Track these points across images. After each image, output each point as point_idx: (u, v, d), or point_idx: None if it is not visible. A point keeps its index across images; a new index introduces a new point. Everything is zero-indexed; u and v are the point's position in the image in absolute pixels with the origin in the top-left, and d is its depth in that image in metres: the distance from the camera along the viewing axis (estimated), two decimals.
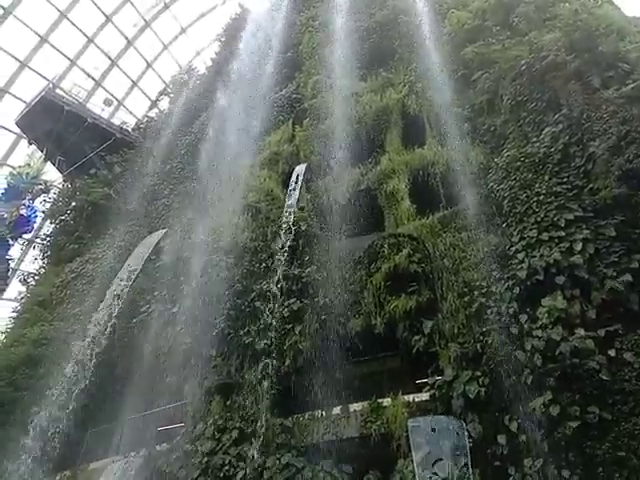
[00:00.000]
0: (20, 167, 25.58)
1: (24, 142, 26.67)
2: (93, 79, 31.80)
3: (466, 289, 9.92)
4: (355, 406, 9.56)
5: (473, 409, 8.32)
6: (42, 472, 12.42)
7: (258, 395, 10.36)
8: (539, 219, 9.41)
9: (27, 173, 24.95)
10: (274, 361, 10.77)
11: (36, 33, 27.75)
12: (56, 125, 24.26)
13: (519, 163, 10.50)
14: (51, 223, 23.38)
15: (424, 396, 9.03)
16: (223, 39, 28.46)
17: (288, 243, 12.63)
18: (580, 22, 11.26)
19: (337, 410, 9.68)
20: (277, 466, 9.09)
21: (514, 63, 12.23)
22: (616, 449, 6.96)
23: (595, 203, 9.06)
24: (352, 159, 14.62)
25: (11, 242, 23.88)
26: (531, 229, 9.43)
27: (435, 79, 14.70)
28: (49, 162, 26.22)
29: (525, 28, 13.45)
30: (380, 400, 9.37)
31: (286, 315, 11.28)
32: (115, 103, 32.11)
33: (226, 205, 15.33)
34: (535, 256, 8.99)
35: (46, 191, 24.62)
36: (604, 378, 7.35)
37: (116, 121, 28.25)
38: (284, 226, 13.08)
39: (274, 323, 11.25)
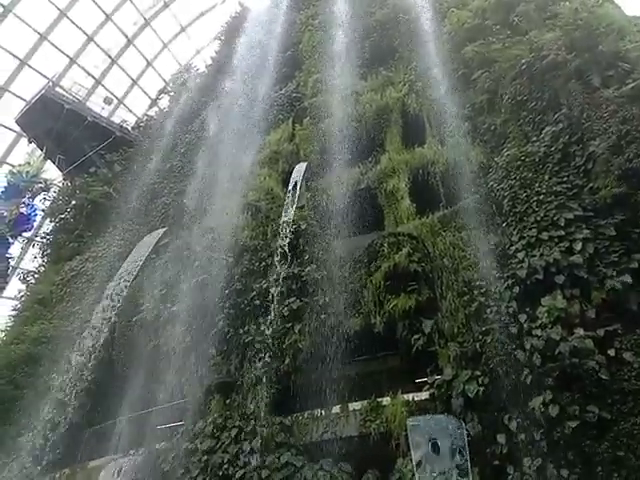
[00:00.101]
0: (20, 165, 25.63)
1: (24, 140, 26.71)
2: (93, 77, 31.81)
3: (466, 288, 9.92)
4: (354, 405, 9.56)
5: (472, 408, 8.32)
6: (41, 470, 12.44)
7: (257, 394, 10.37)
8: (539, 218, 9.41)
9: (27, 171, 25.00)
10: (274, 360, 10.77)
11: (36, 31, 27.77)
12: (56, 123, 24.27)
13: (519, 162, 10.49)
14: (51, 221, 23.40)
15: (423, 395, 9.03)
16: (223, 38, 28.41)
17: (287, 242, 12.63)
18: (580, 21, 11.24)
19: (336, 409, 9.68)
20: (276, 465, 9.09)
21: (514, 62, 12.21)
22: (615, 448, 6.96)
23: (595, 202, 9.05)
24: (352, 158, 14.61)
25: (11, 240, 23.96)
26: (531, 228, 9.43)
27: (435, 78, 14.68)
28: (49, 160, 26.26)
29: (525, 27, 13.43)
30: (379, 399, 9.37)
31: (286, 314, 11.27)
32: (115, 102, 32.09)
33: (226, 204, 15.32)
34: (535, 255, 8.98)
35: (46, 189, 24.66)
36: (603, 378, 7.35)
37: (116, 120, 28.27)
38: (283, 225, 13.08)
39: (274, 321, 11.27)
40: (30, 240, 25.57)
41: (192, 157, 20.45)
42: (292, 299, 11.49)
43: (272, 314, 11.40)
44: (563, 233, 8.93)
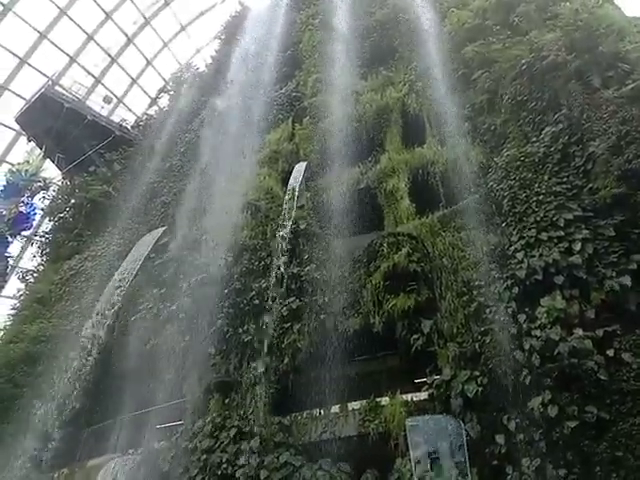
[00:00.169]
0: (19, 164, 25.59)
1: (23, 139, 26.67)
2: (93, 76, 31.76)
3: (465, 288, 9.93)
4: (353, 405, 9.56)
5: (471, 408, 8.34)
6: (41, 469, 12.44)
7: (256, 393, 10.37)
8: (538, 219, 9.41)
9: (26, 170, 24.96)
10: (273, 359, 10.76)
11: (36, 30, 27.73)
12: (55, 122, 24.24)
13: (519, 163, 10.49)
14: (50, 220, 23.37)
15: (422, 395, 9.04)
16: (223, 37, 28.40)
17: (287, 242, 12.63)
18: (580, 22, 11.25)
19: (335, 409, 9.69)
20: (275, 464, 9.08)
21: (514, 62, 12.22)
22: (614, 449, 6.97)
23: (594, 203, 9.05)
24: (352, 158, 14.60)
25: (10, 239, 23.90)
26: (530, 229, 9.44)
27: (435, 78, 14.68)
28: (48, 159, 26.21)
29: (526, 27, 13.44)
30: (378, 399, 9.38)
31: (285, 314, 11.27)
32: (115, 100, 32.04)
33: (225, 203, 15.31)
34: (534, 256, 8.99)
35: (45, 188, 24.63)
36: (602, 378, 7.36)
37: (116, 119, 28.20)
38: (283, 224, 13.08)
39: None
40: (29, 239, 25.53)
41: (192, 156, 20.46)
42: (291, 299, 11.49)
43: (272, 314, 11.41)
44: (562, 233, 8.94)
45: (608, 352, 7.54)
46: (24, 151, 26.86)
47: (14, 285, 23.69)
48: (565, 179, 9.69)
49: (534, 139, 10.77)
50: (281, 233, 12.83)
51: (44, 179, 25.20)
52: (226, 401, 10.72)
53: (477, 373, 8.59)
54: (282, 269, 12.09)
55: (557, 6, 13.02)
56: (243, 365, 11.17)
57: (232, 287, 12.39)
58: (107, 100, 30.31)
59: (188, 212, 17.00)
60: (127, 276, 15.35)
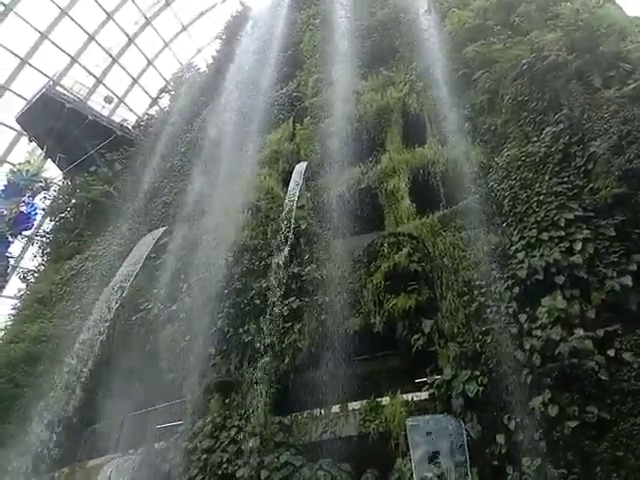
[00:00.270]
0: (20, 164, 25.58)
1: (24, 139, 26.68)
2: (94, 76, 31.80)
3: (466, 288, 9.93)
4: (354, 405, 9.55)
5: (472, 408, 8.32)
6: (41, 469, 12.44)
7: (257, 393, 10.35)
8: (539, 219, 9.40)
9: (27, 170, 24.96)
10: (273, 359, 10.76)
11: (37, 30, 27.74)
12: (57, 122, 24.24)
13: (519, 163, 10.49)
14: (51, 220, 23.38)
15: (423, 395, 9.03)
16: (224, 37, 28.42)
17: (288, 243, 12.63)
18: (581, 22, 11.24)
19: (336, 409, 9.68)
20: (275, 464, 9.07)
21: (515, 62, 12.21)
22: (614, 449, 6.95)
23: (595, 203, 9.04)
24: (352, 158, 14.60)
25: (11, 239, 23.91)
26: (531, 229, 9.42)
27: (436, 78, 14.68)
28: (49, 159, 26.22)
29: (526, 27, 13.42)
30: (379, 399, 9.37)
31: (285, 313, 11.27)
32: (116, 100, 32.06)
33: (226, 203, 15.31)
34: (535, 256, 8.97)
35: (46, 188, 24.63)
36: (603, 378, 7.34)
37: (117, 118, 28.21)
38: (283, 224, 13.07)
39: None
40: (30, 239, 25.55)
41: (192, 156, 20.46)
42: (292, 299, 11.49)
43: (272, 314, 11.41)
44: (563, 233, 8.92)
45: (609, 352, 7.52)
46: (25, 151, 26.88)
47: (15, 285, 23.79)
48: (566, 179, 9.67)
49: (535, 139, 10.76)
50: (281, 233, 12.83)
51: (45, 179, 25.20)
52: (226, 401, 10.72)
53: (478, 373, 8.58)
54: (282, 270, 12.08)
55: (558, 6, 13.00)
56: (243, 365, 11.16)
57: (232, 287, 12.39)
58: (108, 100, 30.33)
59: (189, 212, 17.00)
60: (128, 276, 15.35)
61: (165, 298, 13.64)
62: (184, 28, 36.02)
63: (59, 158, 25.46)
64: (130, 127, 27.67)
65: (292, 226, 12.90)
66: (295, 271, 12.06)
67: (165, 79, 34.08)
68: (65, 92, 26.77)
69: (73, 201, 22.75)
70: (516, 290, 8.99)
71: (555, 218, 9.16)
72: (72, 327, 15.54)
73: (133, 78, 34.44)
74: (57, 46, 29.09)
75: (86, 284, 17.43)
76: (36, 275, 21.41)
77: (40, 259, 22.00)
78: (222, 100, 21.64)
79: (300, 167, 15.19)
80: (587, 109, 9.89)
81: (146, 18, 33.66)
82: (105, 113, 27.97)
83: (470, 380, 8.50)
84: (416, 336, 9.64)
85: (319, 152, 15.89)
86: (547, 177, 9.88)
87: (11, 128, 27.56)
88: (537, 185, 9.89)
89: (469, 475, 7.80)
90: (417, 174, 13.27)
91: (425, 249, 10.99)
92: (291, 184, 14.34)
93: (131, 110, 33.07)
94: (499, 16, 14.61)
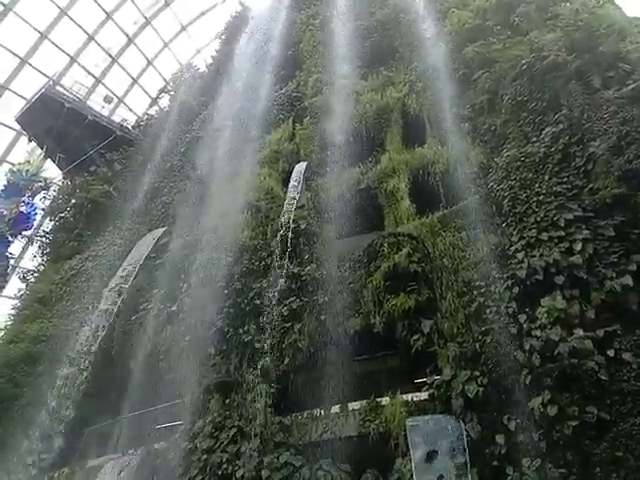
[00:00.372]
0: (20, 164, 25.56)
1: (24, 139, 26.66)
2: (93, 76, 31.77)
3: (465, 289, 9.93)
4: (354, 405, 9.55)
5: (472, 409, 8.32)
6: (41, 469, 12.43)
7: (257, 393, 10.35)
8: (539, 219, 9.40)
9: (27, 170, 24.94)
10: (273, 359, 10.77)
11: (36, 30, 27.71)
12: (56, 122, 24.24)
13: (519, 163, 10.48)
14: (51, 220, 23.37)
15: (423, 395, 9.04)
16: (223, 37, 28.43)
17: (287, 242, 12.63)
18: (581, 22, 11.24)
19: (336, 409, 9.68)
20: (275, 464, 9.07)
21: (515, 63, 12.21)
22: (614, 449, 6.96)
23: (595, 203, 9.04)
24: (352, 158, 14.61)
25: (11, 239, 23.90)
26: (531, 229, 9.43)
27: (436, 78, 14.69)
28: (49, 159, 26.21)
29: (526, 28, 13.43)
30: (379, 399, 9.37)
31: (285, 314, 11.27)
32: (115, 100, 32.04)
33: (226, 203, 15.31)
34: (535, 256, 8.98)
35: (46, 188, 24.62)
36: (603, 378, 7.35)
37: (116, 118, 28.20)
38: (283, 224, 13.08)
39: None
40: (30, 239, 25.54)
41: (192, 156, 20.46)
42: (292, 299, 11.49)
43: (272, 314, 11.42)
44: (563, 234, 8.93)
45: (608, 352, 7.53)
46: (25, 151, 26.84)
47: (15, 285, 23.78)
48: (565, 179, 9.68)
49: (534, 139, 10.76)
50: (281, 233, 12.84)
51: (45, 179, 25.19)
52: (226, 401, 10.71)
53: (477, 373, 8.58)
54: (284, 269, 12.09)
55: (557, 6, 13.02)
56: (243, 365, 11.16)
57: (232, 287, 12.39)
58: (108, 100, 30.31)
59: (188, 212, 17.00)
60: (128, 276, 15.34)
61: (165, 298, 13.63)
62: (184, 28, 36.00)
63: (59, 158, 25.46)
64: (130, 127, 27.67)
65: (292, 226, 12.90)
66: (295, 271, 12.06)
67: (165, 79, 34.08)
68: (65, 92, 26.77)
69: (73, 201, 22.74)
70: (516, 290, 8.99)
71: (555, 218, 9.17)
72: (72, 327, 15.51)
73: (133, 78, 34.43)
74: (57, 46, 29.08)
75: (86, 284, 17.41)
76: (36, 275, 21.41)
77: (40, 259, 22.01)
78: (222, 100, 21.63)
79: (300, 167, 15.19)
80: (586, 109, 9.89)
81: (146, 18, 33.63)
82: (105, 113, 27.97)
83: (470, 380, 8.51)
84: (416, 336, 9.64)
85: (319, 152, 15.90)
86: (547, 177, 9.88)
87: (11, 128, 27.55)
88: (537, 185, 9.89)
89: (469, 475, 7.80)
90: (417, 174, 13.29)
91: (425, 249, 10.99)
92: (291, 184, 14.34)
93: (131, 110, 33.07)
94: (499, 16, 14.62)
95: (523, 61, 11.91)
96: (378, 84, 16.89)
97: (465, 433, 8.15)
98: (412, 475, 8.11)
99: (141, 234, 17.92)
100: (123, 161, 23.84)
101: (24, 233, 24.86)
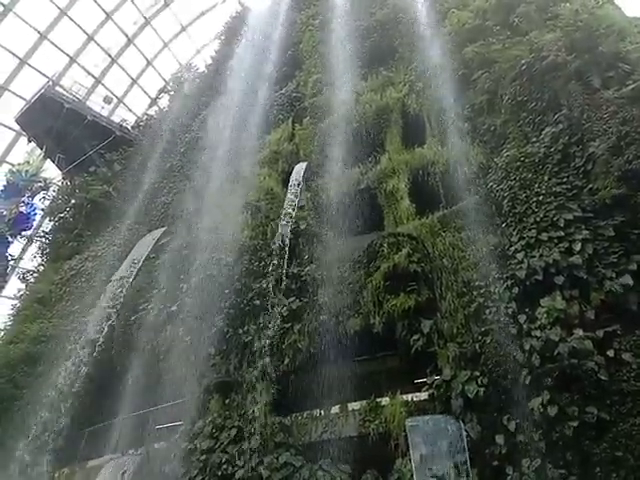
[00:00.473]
0: (19, 164, 25.63)
1: (24, 139, 26.69)
2: (93, 77, 31.79)
3: (465, 289, 9.93)
4: (354, 405, 9.56)
5: (472, 409, 8.33)
6: (41, 469, 12.43)
7: (257, 394, 10.36)
8: (538, 219, 9.41)
9: (26, 170, 25.00)
10: (273, 360, 10.77)
11: (36, 30, 27.74)
12: (56, 122, 24.26)
13: (519, 163, 10.48)
14: (50, 220, 23.37)
15: (423, 396, 9.03)
16: (223, 37, 28.43)
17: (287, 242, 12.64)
18: (581, 22, 11.24)
19: (336, 409, 9.69)
20: (275, 465, 9.08)
21: (514, 63, 12.21)
22: (614, 449, 6.96)
23: (594, 203, 9.04)
24: (352, 158, 14.62)
25: (10, 239, 23.93)
26: (530, 229, 9.43)
27: (435, 78, 14.69)
28: (48, 159, 26.25)
29: (526, 28, 13.43)
30: (379, 399, 9.37)
31: (285, 314, 11.27)
32: (115, 101, 32.07)
33: (226, 203, 15.32)
34: (534, 256, 8.98)
35: (45, 188, 24.66)
36: (602, 378, 7.35)
37: (116, 119, 28.26)
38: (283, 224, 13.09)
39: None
40: (29, 239, 25.55)
41: (192, 157, 20.46)
42: (292, 299, 11.49)
43: (272, 314, 11.41)
44: (562, 234, 8.93)
45: (608, 352, 7.53)
46: (24, 151, 26.93)
47: (14, 285, 23.79)
48: (565, 179, 9.68)
49: (534, 139, 10.76)
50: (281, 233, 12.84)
51: (44, 179, 25.24)
52: (226, 401, 10.72)
53: (477, 373, 8.58)
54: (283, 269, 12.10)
55: (557, 6, 13.01)
56: (243, 365, 11.17)
57: (232, 287, 12.39)
58: (107, 100, 30.35)
59: (188, 212, 17.01)
60: (127, 276, 15.35)
61: (165, 298, 13.63)
62: (183, 29, 36.02)
63: (58, 158, 25.48)
64: (129, 127, 27.71)
65: (292, 226, 12.91)
66: (295, 271, 12.06)
67: (164, 79, 34.14)
68: (64, 92, 26.81)
69: (72, 201, 22.75)
70: (515, 290, 8.99)
71: (554, 218, 9.17)
72: (72, 327, 15.52)
73: (132, 78, 34.44)
74: (56, 46, 29.12)
75: (86, 284, 17.42)
76: (36, 275, 21.41)
77: (39, 259, 22.02)
78: (221, 100, 21.63)
79: (300, 167, 15.20)
80: (586, 109, 9.88)
81: (145, 18, 33.65)
82: (104, 113, 28.02)
83: (470, 381, 8.51)
84: (415, 336, 9.63)
85: (318, 152, 15.91)
86: (546, 177, 9.88)
87: (10, 128, 27.56)
88: (536, 185, 9.89)
89: (469, 476, 7.81)
90: (416, 174, 13.29)
91: (424, 250, 10.99)
92: (290, 184, 14.34)
93: (130, 110, 33.10)
94: (498, 17, 14.62)
95: (523, 61, 11.90)
96: (378, 84, 16.89)
97: (465, 433, 8.15)
98: (412, 475, 8.11)
99: (141, 234, 17.93)
100: (123, 161, 23.85)
101: (24, 233, 24.91)
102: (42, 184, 24.78)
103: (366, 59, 18.35)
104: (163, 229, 17.26)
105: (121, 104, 32.99)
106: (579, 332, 7.78)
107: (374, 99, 16.21)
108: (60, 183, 25.44)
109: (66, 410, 12.84)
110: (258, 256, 13.01)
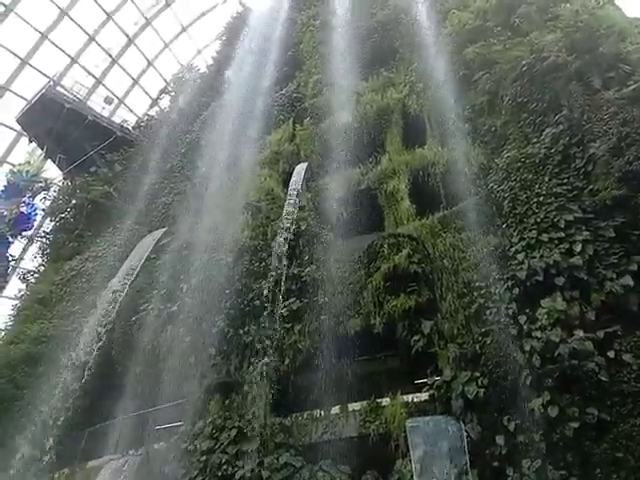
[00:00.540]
0: (20, 165, 25.61)
1: (24, 140, 26.68)
2: (94, 77, 31.78)
3: (465, 290, 9.93)
4: (354, 406, 9.56)
5: (472, 409, 8.33)
6: (41, 469, 12.43)
7: (257, 394, 10.35)
8: (539, 220, 9.41)
9: (27, 171, 24.99)
10: (273, 360, 10.77)
11: (37, 30, 27.73)
12: (56, 123, 24.26)
13: (519, 164, 10.49)
14: (51, 221, 23.39)
15: (423, 396, 9.04)
16: (224, 38, 28.46)
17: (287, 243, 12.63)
18: (581, 23, 11.24)
19: (336, 410, 9.69)
20: (275, 465, 9.08)
21: (515, 64, 12.21)
22: (614, 450, 6.96)
23: (595, 204, 9.04)
24: (352, 159, 14.63)
25: (11, 240, 23.93)
26: (531, 230, 9.43)
27: (436, 79, 14.69)
28: (49, 160, 26.24)
29: (526, 29, 13.43)
30: (379, 400, 9.38)
31: (285, 314, 11.27)
32: (116, 101, 32.05)
33: (226, 204, 15.32)
34: (535, 257, 8.99)
35: (46, 189, 24.66)
36: (603, 379, 7.36)
37: (117, 119, 28.26)
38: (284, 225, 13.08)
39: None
40: (30, 239, 25.56)
41: (192, 157, 20.47)
42: (292, 299, 11.49)
43: (272, 314, 11.41)
44: (563, 235, 8.94)
45: (609, 353, 7.53)
46: (25, 152, 26.88)
47: (15, 285, 23.80)
48: (566, 180, 9.68)
49: (534, 140, 10.76)
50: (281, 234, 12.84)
51: (45, 179, 25.23)
52: (226, 402, 10.72)
53: (478, 374, 8.58)
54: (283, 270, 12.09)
55: (558, 7, 13.02)
56: (244, 366, 11.17)
57: (233, 288, 12.40)
58: (108, 101, 30.33)
59: (189, 213, 17.01)
60: (128, 277, 15.35)
61: (165, 299, 13.63)
62: (184, 29, 36.02)
63: (59, 158, 25.48)
64: (130, 128, 27.69)
65: (292, 227, 12.91)
66: (295, 272, 12.06)
67: (165, 80, 34.12)
68: (65, 93, 26.79)
69: (73, 202, 22.76)
70: (516, 291, 8.99)
71: (555, 219, 9.18)
72: (72, 328, 15.52)
73: (133, 79, 34.44)
74: (57, 46, 29.09)
75: (86, 285, 17.43)
76: (36, 276, 21.42)
77: (40, 260, 22.04)
78: (222, 101, 21.64)
79: (300, 168, 15.20)
80: (587, 110, 9.89)
81: (146, 19, 33.65)
82: (105, 114, 28.00)
83: (470, 381, 8.51)
84: (416, 337, 9.64)
85: (319, 153, 15.92)
86: (547, 178, 9.89)
87: (11, 128, 27.56)
88: (537, 186, 9.90)
89: (469, 476, 7.80)
90: (417, 175, 13.29)
91: (425, 250, 10.99)
92: (291, 185, 14.34)
93: (131, 111, 33.09)
94: (499, 17, 14.62)
95: (523, 62, 11.91)
96: (378, 85, 16.90)
97: (465, 434, 8.15)
98: (412, 476, 8.12)
99: (141, 235, 17.93)
100: (123, 162, 23.85)
101: (24, 234, 24.89)
102: (43, 184, 24.77)
103: (367, 60, 18.35)
104: (164, 230, 17.25)
105: (122, 104, 33.00)
106: (579, 333, 7.79)
107: (375, 100, 16.22)
108: (61, 183, 25.45)
109: (66, 410, 12.83)
110: (258, 257, 13.01)
